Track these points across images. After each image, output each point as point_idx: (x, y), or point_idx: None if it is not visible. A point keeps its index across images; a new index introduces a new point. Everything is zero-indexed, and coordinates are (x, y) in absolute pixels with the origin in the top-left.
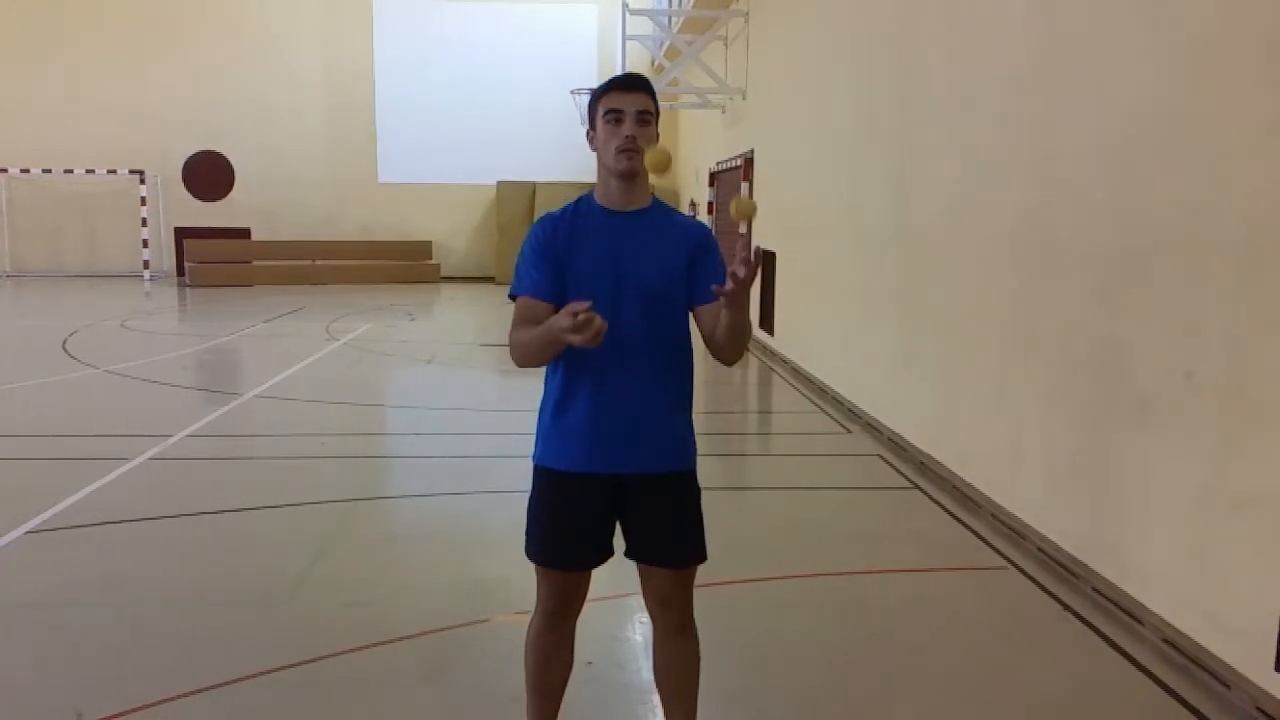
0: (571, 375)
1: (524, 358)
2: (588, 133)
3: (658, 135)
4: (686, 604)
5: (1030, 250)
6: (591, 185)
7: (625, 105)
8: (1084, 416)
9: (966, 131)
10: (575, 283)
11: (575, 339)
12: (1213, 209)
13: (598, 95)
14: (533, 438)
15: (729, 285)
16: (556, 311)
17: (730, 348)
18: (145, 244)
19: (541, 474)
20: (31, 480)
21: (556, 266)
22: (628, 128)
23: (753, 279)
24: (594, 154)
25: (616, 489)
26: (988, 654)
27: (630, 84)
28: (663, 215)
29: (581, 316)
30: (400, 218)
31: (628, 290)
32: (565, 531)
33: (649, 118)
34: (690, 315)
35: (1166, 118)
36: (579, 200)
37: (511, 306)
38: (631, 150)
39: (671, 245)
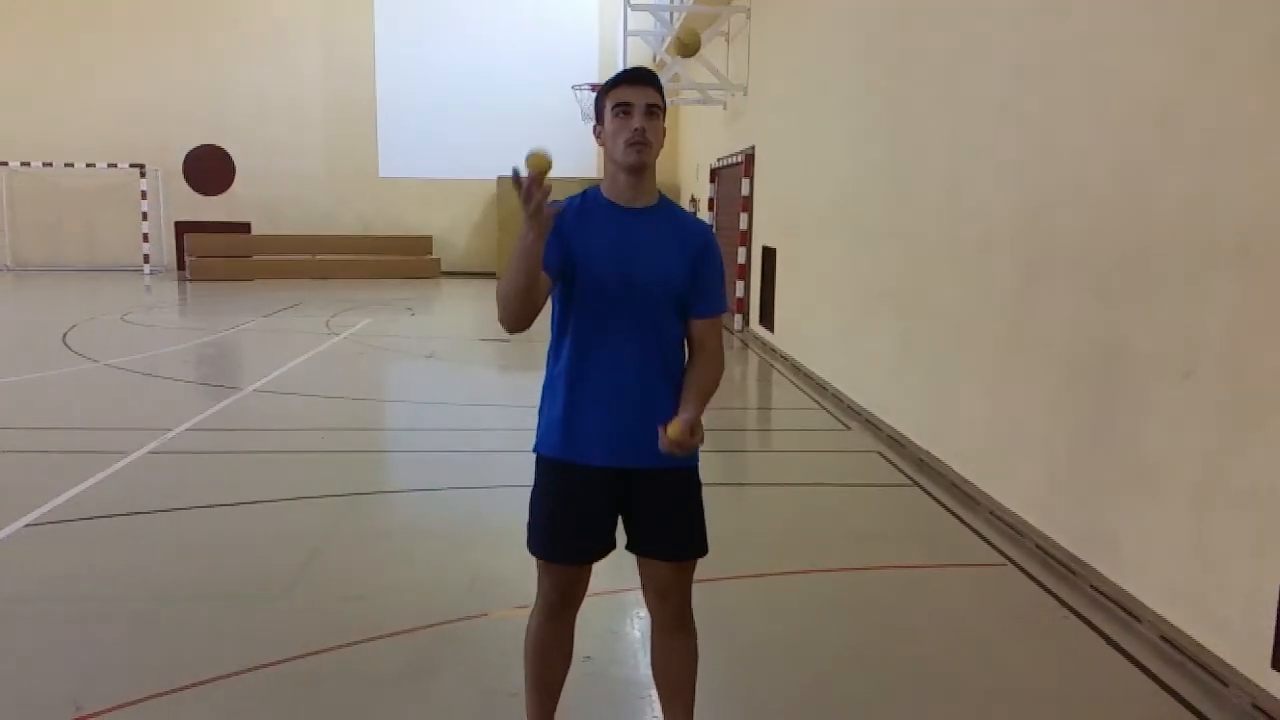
0: (577, 367)
1: (505, 294)
2: (594, 127)
3: (665, 130)
4: (685, 599)
5: (1030, 248)
6: (593, 180)
7: (634, 99)
8: (1083, 414)
9: (967, 129)
10: (583, 276)
11: (528, 207)
12: (1213, 207)
13: (605, 89)
14: (532, 433)
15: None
16: (556, 282)
17: None
18: (145, 238)
19: (545, 464)
20: (31, 474)
21: (562, 243)
22: (636, 120)
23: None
24: (599, 149)
25: (621, 482)
26: (986, 651)
27: (638, 78)
28: (669, 213)
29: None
30: (401, 212)
31: (634, 287)
32: (569, 524)
33: (657, 111)
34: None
35: (1167, 115)
36: (585, 193)
37: None
38: (641, 144)
39: (677, 245)
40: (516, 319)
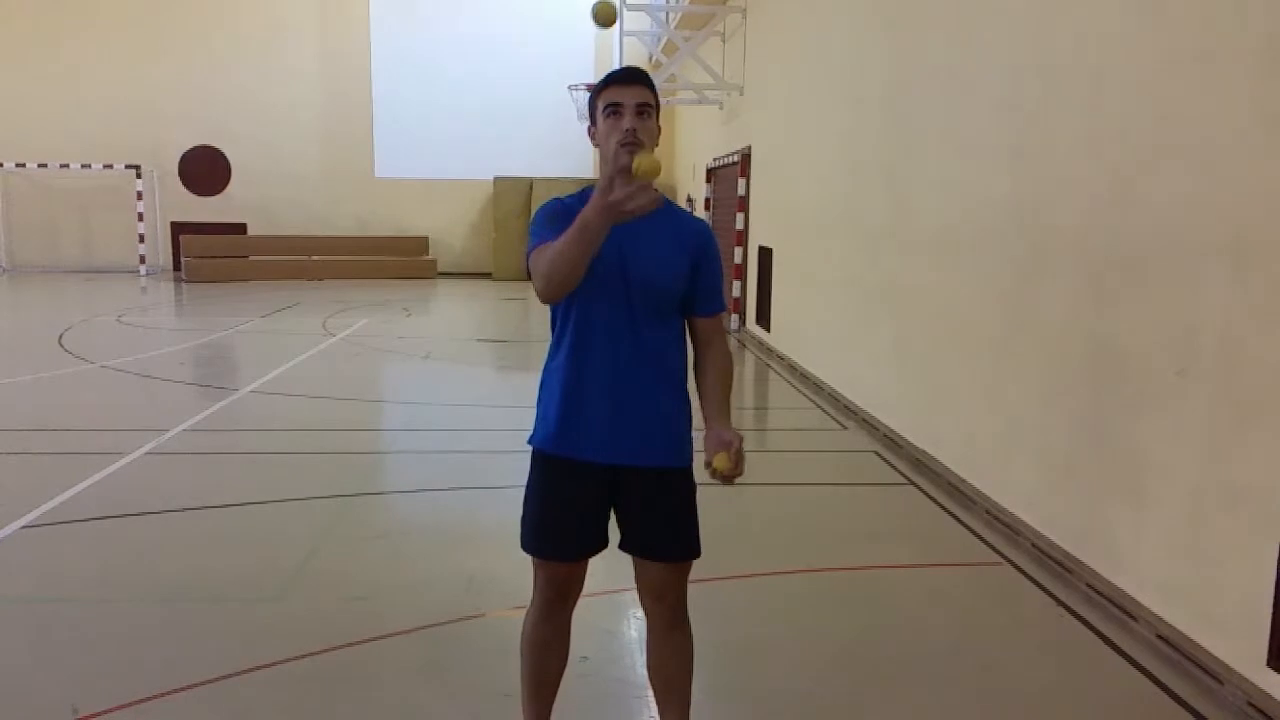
0: (576, 363)
1: (555, 269)
2: (589, 129)
3: (659, 128)
4: (681, 599)
5: (1025, 247)
6: (589, 181)
7: (624, 99)
8: (1078, 412)
9: (963, 128)
10: (585, 274)
11: (617, 182)
12: (1207, 205)
13: (597, 90)
14: (528, 433)
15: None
16: None
17: None
18: (141, 239)
19: (540, 459)
20: (28, 475)
21: None
22: (628, 121)
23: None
24: (595, 149)
25: (615, 480)
26: (981, 649)
27: (629, 77)
28: (668, 213)
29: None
30: (397, 213)
31: (634, 286)
32: (562, 520)
33: (649, 110)
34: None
35: (1162, 114)
36: (582, 193)
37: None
38: (632, 144)
39: (676, 245)
40: (559, 290)
